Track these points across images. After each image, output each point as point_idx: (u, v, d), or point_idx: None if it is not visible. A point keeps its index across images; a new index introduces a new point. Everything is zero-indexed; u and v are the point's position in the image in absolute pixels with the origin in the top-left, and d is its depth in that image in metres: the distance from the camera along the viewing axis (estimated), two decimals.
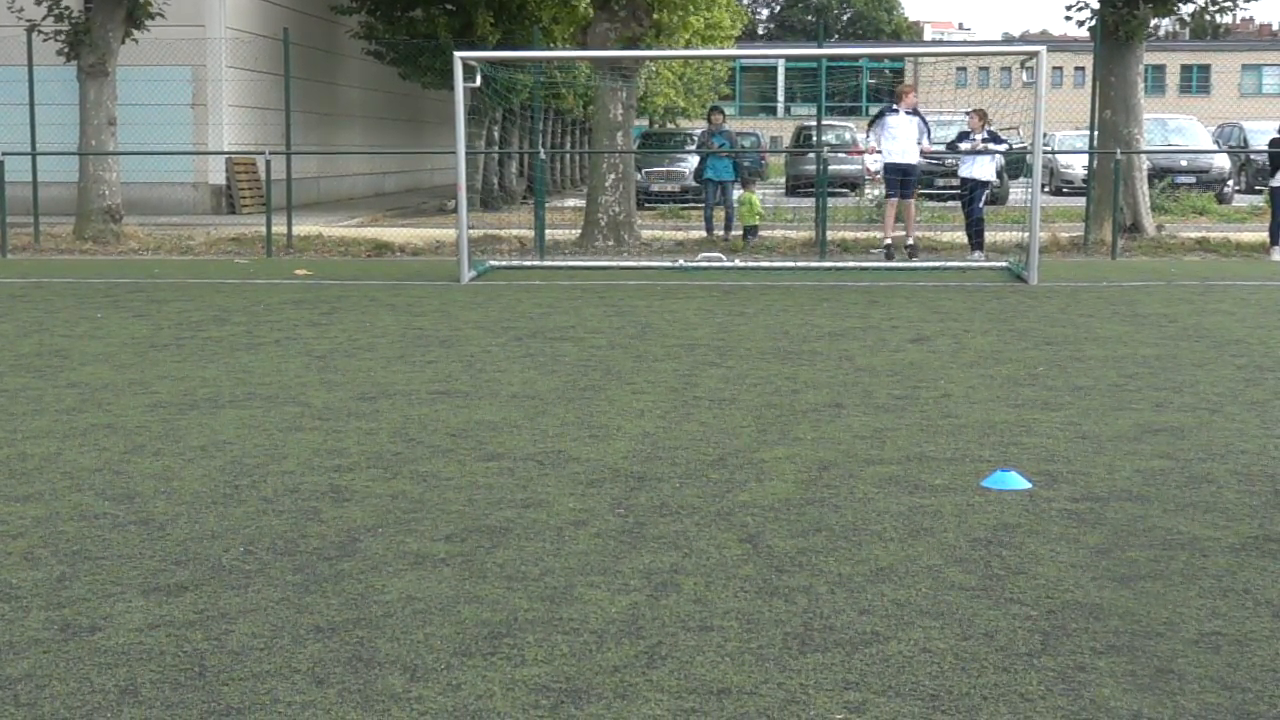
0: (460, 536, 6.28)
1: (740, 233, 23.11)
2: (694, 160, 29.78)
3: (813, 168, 25.92)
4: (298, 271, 18.66)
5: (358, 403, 9.42)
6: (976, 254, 20.25)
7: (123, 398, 9.61)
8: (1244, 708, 4.42)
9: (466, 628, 5.11)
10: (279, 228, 22.10)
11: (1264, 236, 21.68)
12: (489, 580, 5.65)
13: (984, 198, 20.85)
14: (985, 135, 20.41)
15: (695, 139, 34.43)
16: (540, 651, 4.87)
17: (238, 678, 4.65)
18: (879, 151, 20.64)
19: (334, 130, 36.30)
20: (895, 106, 20.34)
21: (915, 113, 20.24)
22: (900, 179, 20.14)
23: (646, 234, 23.35)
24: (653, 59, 32.66)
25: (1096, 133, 22.66)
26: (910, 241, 20.32)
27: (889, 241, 20.25)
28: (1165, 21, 24.56)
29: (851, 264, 19.41)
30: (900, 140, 20.01)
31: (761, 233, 23.37)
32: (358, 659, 4.81)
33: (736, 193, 23.62)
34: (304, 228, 23.79)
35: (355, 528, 6.42)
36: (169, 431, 8.50)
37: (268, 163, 22.50)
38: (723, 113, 25.41)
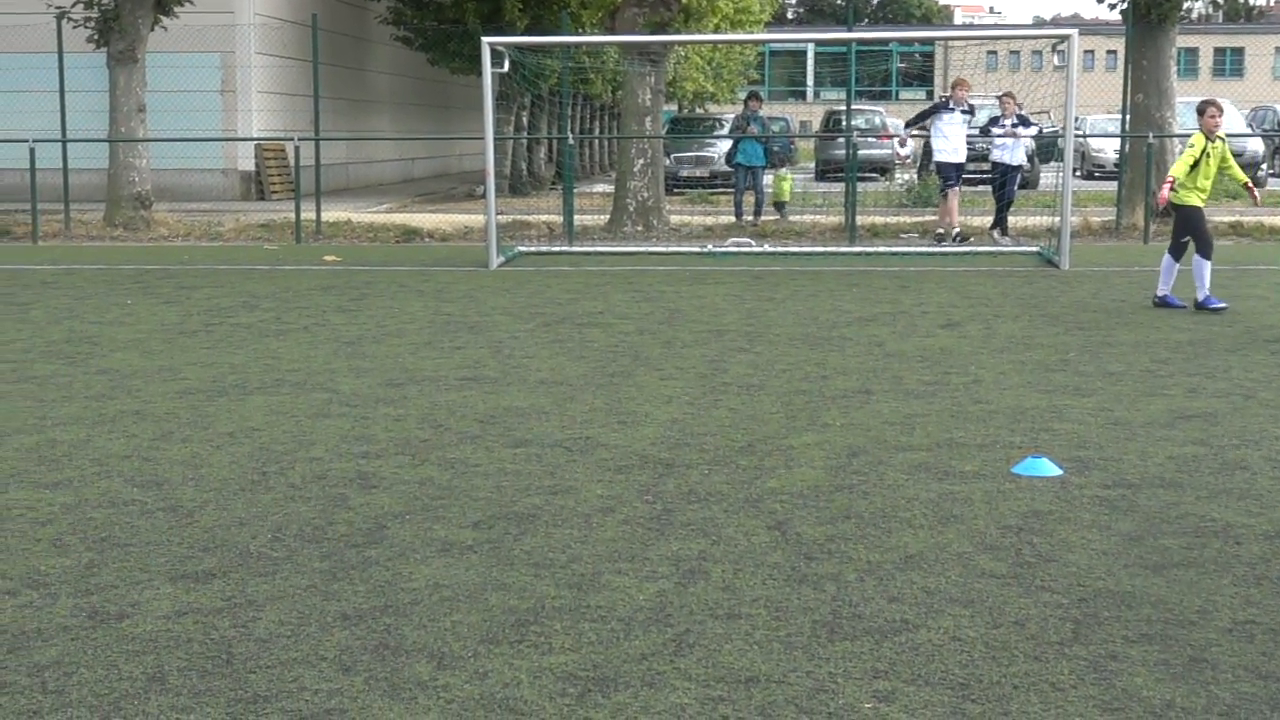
0: (488, 523, 6.26)
1: (773, 214, 23.44)
2: (723, 145, 29.73)
3: (842, 152, 25.82)
4: (327, 258, 18.68)
5: (386, 389, 9.41)
6: (995, 232, 20.22)
7: (152, 384, 9.62)
8: (1279, 698, 4.37)
9: (493, 615, 5.09)
10: (308, 214, 22.13)
11: None
12: (516, 567, 5.63)
13: (1017, 181, 20.79)
14: (1015, 119, 20.32)
15: (724, 124, 34.37)
16: (567, 639, 4.85)
17: (265, 665, 4.64)
18: (919, 135, 20.57)
19: (363, 116, 36.32)
20: (951, 104, 20.23)
21: (970, 109, 20.28)
22: (955, 173, 20.24)
23: (675, 219, 23.30)
24: (681, 44, 32.56)
25: (1128, 116, 22.49)
26: (954, 229, 20.22)
27: (957, 230, 20.16)
28: (1198, 4, 24.33)
29: (882, 249, 19.32)
30: (951, 139, 19.98)
31: (791, 217, 23.38)
32: (384, 646, 4.80)
33: (768, 176, 24.03)
34: (333, 214, 23.81)
35: (383, 514, 6.41)
36: (198, 418, 8.50)
37: (296, 149, 22.52)
38: (759, 98, 25.36)
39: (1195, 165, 13.07)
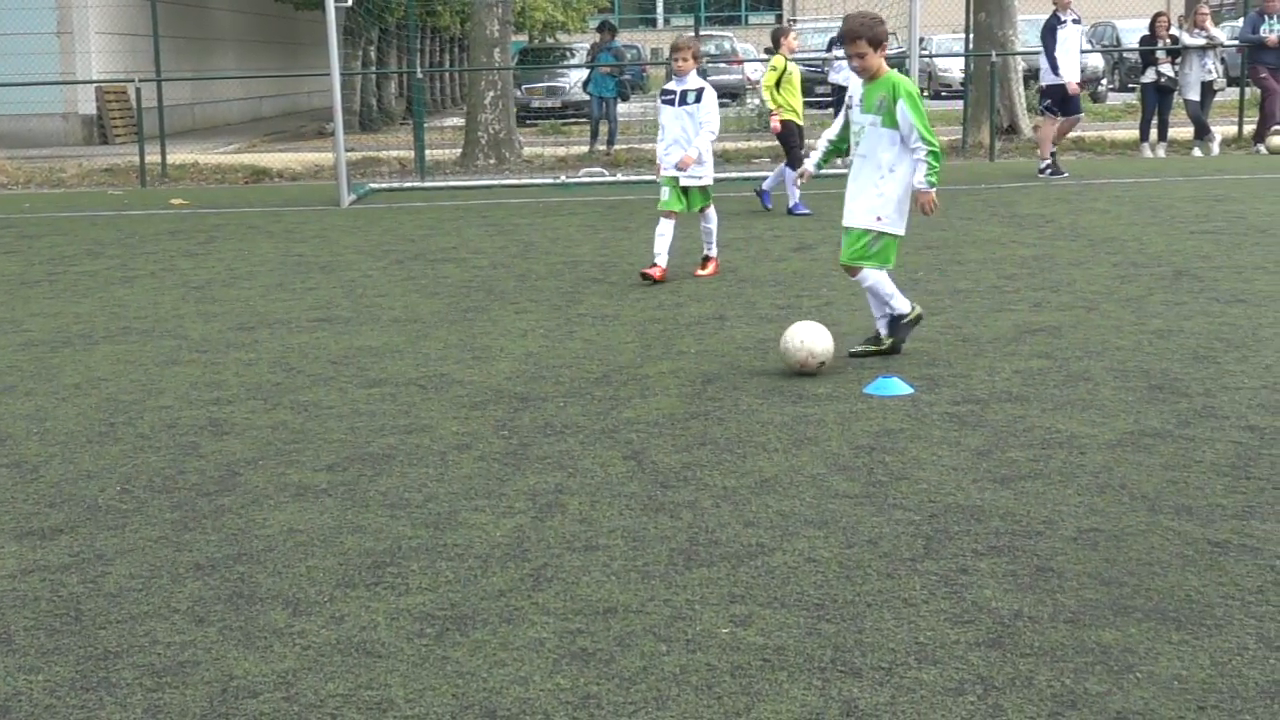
0: (342, 466, 6.20)
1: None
2: (574, 75, 29.62)
3: None
4: (173, 201, 18.28)
5: (236, 333, 9.26)
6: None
7: None
8: (1121, 602, 4.49)
9: (349, 558, 5.05)
10: (153, 157, 21.63)
11: (1136, 134, 21.93)
12: (371, 509, 5.59)
13: None
14: None
15: (575, 54, 34.19)
16: (424, 579, 4.83)
17: (115, 620, 4.56)
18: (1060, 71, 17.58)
19: (207, 55, 35.51)
20: (1062, 17, 17.65)
21: (1079, 20, 17.92)
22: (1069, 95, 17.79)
23: (528, 151, 23.17)
24: None
25: (972, 36, 22.76)
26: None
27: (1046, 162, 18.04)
28: None
29: (734, 174, 19.35)
30: (1071, 54, 17.68)
31: (644, 144, 23.35)
32: (238, 595, 4.74)
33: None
34: (179, 156, 23.31)
35: (235, 461, 6.32)
36: (41, 370, 8.31)
37: (138, 90, 21.99)
38: (612, 29, 25.23)
39: (779, 84, 14.95)
